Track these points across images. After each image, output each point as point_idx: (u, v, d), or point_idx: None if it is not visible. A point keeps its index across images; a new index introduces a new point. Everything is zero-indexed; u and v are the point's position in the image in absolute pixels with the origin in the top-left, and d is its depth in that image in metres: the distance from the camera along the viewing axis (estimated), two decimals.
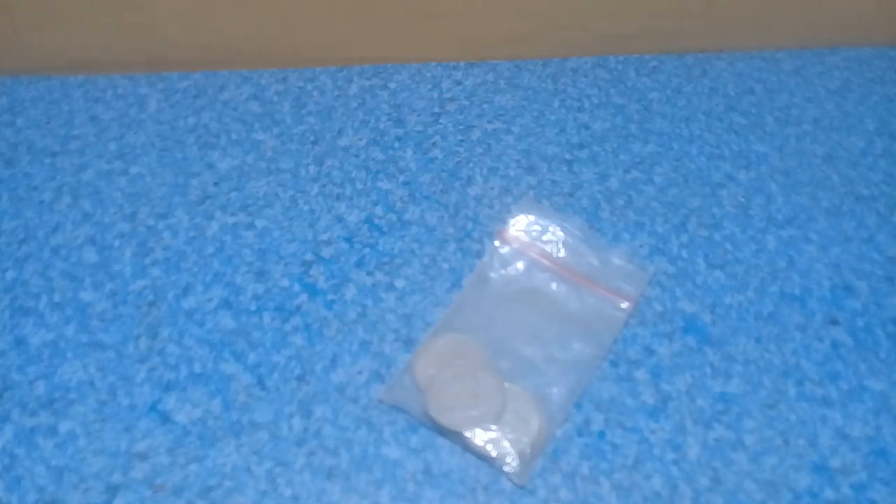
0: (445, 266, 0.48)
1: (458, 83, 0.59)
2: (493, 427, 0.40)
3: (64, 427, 0.41)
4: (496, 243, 0.48)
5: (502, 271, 0.47)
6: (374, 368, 0.44)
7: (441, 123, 0.56)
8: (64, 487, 0.39)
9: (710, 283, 0.47)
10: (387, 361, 0.44)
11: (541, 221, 0.49)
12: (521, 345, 0.44)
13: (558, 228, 0.48)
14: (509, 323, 0.45)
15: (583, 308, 0.45)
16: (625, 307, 0.45)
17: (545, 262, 0.47)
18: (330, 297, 0.46)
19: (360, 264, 0.48)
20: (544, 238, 0.48)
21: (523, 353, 0.43)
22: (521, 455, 0.40)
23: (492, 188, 0.52)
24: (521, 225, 0.49)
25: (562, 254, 0.47)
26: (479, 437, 0.40)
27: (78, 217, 0.50)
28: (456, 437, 0.40)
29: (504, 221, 0.49)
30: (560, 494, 0.39)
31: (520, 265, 0.47)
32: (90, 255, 0.48)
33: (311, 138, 0.55)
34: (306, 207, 0.51)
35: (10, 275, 0.47)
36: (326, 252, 0.49)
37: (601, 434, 0.41)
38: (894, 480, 0.40)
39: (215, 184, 0.52)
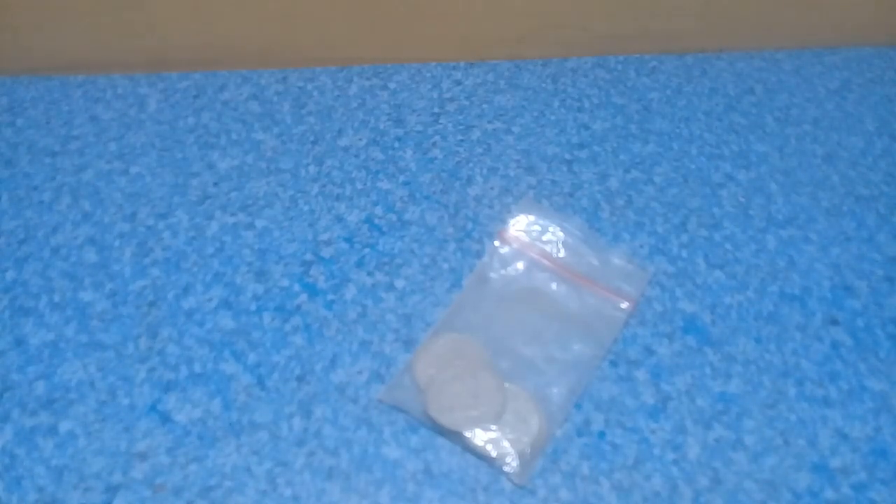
0: (445, 266, 0.48)
1: (458, 83, 0.59)
2: (493, 427, 0.40)
3: (64, 427, 0.41)
4: (496, 243, 0.48)
5: (502, 271, 0.47)
6: (374, 368, 0.44)
7: (441, 123, 0.56)
8: (64, 487, 0.39)
9: (710, 283, 0.47)
10: (387, 361, 0.44)
11: (541, 221, 0.49)
12: (521, 345, 0.44)
13: (558, 228, 0.48)
14: (509, 323, 0.45)
15: (583, 308, 0.45)
16: (625, 307, 0.45)
17: (545, 262, 0.47)
18: (330, 297, 0.46)
19: (360, 264, 0.48)
20: (544, 238, 0.48)
21: (523, 353, 0.43)
22: (521, 455, 0.40)
23: (492, 188, 0.52)
24: (521, 225, 0.49)
25: (562, 254, 0.47)
26: (479, 437, 0.40)
27: (78, 217, 0.50)
28: (456, 437, 0.40)
29: (504, 221, 0.49)
30: (560, 494, 0.39)
31: (520, 265, 0.47)
32: (90, 255, 0.48)
33: (311, 138, 0.55)
34: (306, 207, 0.51)
35: (10, 275, 0.47)
36: (326, 252, 0.49)
37: (601, 434, 0.41)
38: (894, 480, 0.40)
39: (215, 184, 0.52)
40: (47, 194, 0.51)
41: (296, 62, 0.59)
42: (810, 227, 0.50)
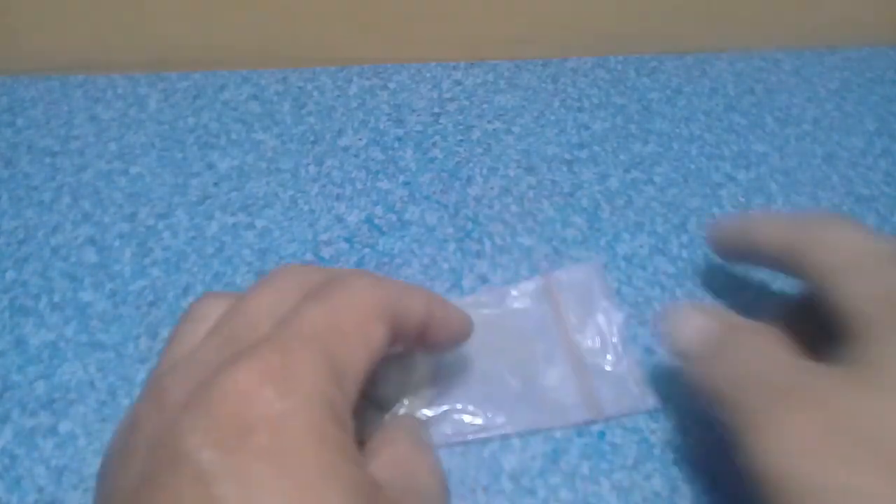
0: (445, 266, 0.48)
1: (458, 83, 0.59)
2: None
3: (64, 427, 0.41)
4: (540, 279, 0.45)
5: (517, 304, 0.44)
6: None
7: (441, 123, 0.56)
8: (64, 487, 0.39)
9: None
10: None
11: (588, 292, 0.45)
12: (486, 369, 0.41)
13: (598, 312, 0.44)
14: (481, 353, 0.42)
15: (557, 384, 0.41)
16: (587, 417, 0.41)
17: (561, 329, 0.43)
18: None
19: (360, 264, 0.48)
20: (581, 311, 0.44)
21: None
22: None
23: (492, 188, 0.52)
24: (566, 284, 0.45)
25: (583, 332, 0.43)
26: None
27: (78, 217, 0.50)
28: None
29: (551, 269, 0.47)
30: (560, 494, 0.39)
31: (536, 311, 0.44)
32: (90, 255, 0.48)
33: (311, 138, 0.55)
34: (306, 207, 0.51)
35: (10, 275, 0.47)
36: (326, 252, 0.49)
37: (601, 434, 0.41)
38: None
39: (215, 184, 0.52)
40: (47, 194, 0.51)
41: (296, 62, 0.59)
42: None
